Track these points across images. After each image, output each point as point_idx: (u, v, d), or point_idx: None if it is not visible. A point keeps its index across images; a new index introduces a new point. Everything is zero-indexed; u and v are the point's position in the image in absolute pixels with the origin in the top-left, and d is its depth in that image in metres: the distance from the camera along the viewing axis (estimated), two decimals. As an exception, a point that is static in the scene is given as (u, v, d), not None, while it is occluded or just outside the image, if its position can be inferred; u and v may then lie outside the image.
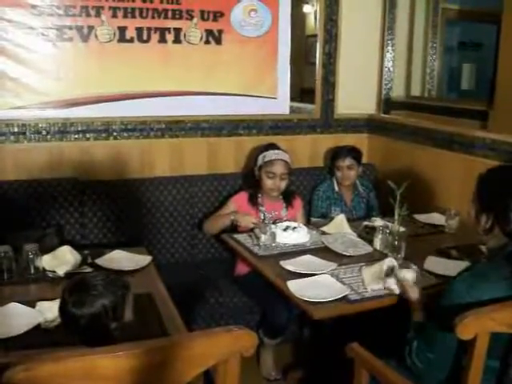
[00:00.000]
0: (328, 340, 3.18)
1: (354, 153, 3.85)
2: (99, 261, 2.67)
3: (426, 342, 1.96)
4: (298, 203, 3.61)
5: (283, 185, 3.44)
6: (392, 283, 2.38)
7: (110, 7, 3.53)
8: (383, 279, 2.45)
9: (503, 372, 1.85)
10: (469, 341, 1.75)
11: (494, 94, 5.68)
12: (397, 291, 2.36)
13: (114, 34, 3.58)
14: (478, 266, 1.95)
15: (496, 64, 5.72)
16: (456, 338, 1.76)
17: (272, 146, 3.55)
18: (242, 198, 3.47)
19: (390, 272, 2.45)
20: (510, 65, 5.47)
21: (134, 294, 1.85)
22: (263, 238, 2.94)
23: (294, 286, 2.44)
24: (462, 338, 1.72)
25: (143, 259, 2.74)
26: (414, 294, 2.25)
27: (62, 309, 1.72)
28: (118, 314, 1.72)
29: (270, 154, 3.45)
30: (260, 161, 3.47)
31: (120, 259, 2.72)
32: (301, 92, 5.17)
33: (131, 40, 3.63)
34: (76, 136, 3.59)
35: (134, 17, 3.60)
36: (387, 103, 4.65)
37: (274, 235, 2.96)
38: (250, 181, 3.61)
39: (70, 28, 3.48)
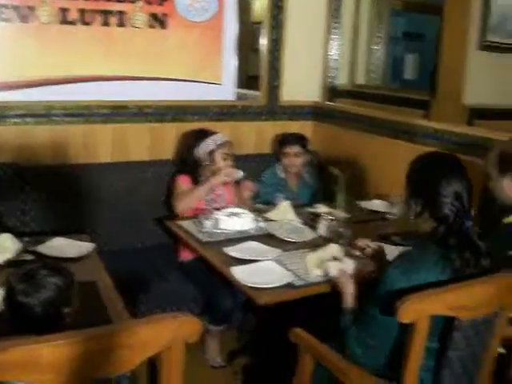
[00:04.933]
0: (272, 326, 3.20)
1: (302, 140, 3.88)
2: (40, 248, 2.62)
3: (364, 328, 2.00)
4: None
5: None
6: (331, 267, 2.41)
7: (51, -13, 3.43)
8: (326, 265, 2.48)
9: (442, 353, 1.90)
10: (410, 324, 1.78)
11: (435, 83, 5.81)
12: (332, 274, 2.38)
13: (56, 15, 3.48)
14: (410, 252, 2.00)
15: (438, 55, 5.85)
16: (397, 323, 1.80)
17: (210, 131, 3.59)
18: (186, 180, 3.46)
19: (334, 258, 2.49)
20: (450, 55, 5.61)
21: (77, 282, 1.82)
22: (207, 224, 2.93)
23: (239, 273, 2.45)
24: (402, 321, 1.76)
25: (86, 246, 2.70)
26: (347, 286, 2.27)
27: (11, 302, 1.67)
28: (69, 298, 1.70)
29: (219, 137, 3.51)
30: (211, 145, 3.47)
31: (62, 246, 2.67)
32: (247, 79, 5.16)
33: (73, 22, 3.53)
34: (15, 120, 3.48)
35: (76, -2, 3.51)
36: (332, 91, 4.69)
37: (218, 221, 2.96)
38: (186, 166, 3.57)
39: (8, 7, 3.35)
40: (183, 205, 3.36)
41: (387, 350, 1.97)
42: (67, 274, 1.74)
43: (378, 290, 1.96)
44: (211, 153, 3.47)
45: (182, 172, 3.53)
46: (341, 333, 2.08)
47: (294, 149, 3.81)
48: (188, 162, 3.55)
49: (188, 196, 3.36)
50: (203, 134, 3.55)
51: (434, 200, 1.96)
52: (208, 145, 3.49)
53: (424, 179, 2.03)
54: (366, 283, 2.25)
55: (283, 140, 3.91)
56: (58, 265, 1.80)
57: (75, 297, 1.74)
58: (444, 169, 2.00)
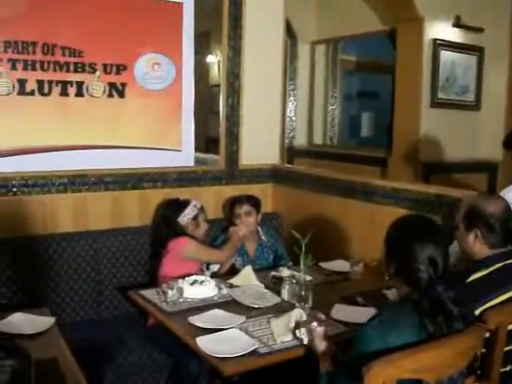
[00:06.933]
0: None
1: (252, 200, 3.89)
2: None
3: None
4: None
5: None
6: (301, 334, 2.42)
7: (9, 59, 3.45)
8: (292, 330, 2.48)
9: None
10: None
11: (391, 141, 5.95)
12: (305, 341, 2.40)
13: (14, 86, 3.49)
14: (387, 313, 2.00)
15: (392, 112, 6.03)
16: None
17: (185, 199, 3.69)
18: (190, 240, 3.53)
19: (299, 323, 2.49)
20: (404, 113, 5.79)
21: (37, 360, 1.78)
22: (170, 293, 2.91)
23: (204, 342, 2.43)
24: (370, 387, 1.76)
25: (46, 321, 2.63)
26: (320, 346, 2.31)
27: None
28: (28, 379, 1.65)
29: (198, 203, 3.67)
30: (195, 211, 3.61)
31: (21, 322, 2.59)
32: (206, 141, 5.21)
33: (32, 93, 3.55)
34: (-29, 193, 3.45)
35: (34, 69, 3.53)
36: (291, 152, 4.78)
37: (181, 290, 2.94)
38: (173, 232, 3.57)
39: (-35, 80, 3.37)
40: (228, 253, 3.65)
41: None
42: (25, 356, 1.70)
43: (353, 351, 1.95)
44: (195, 218, 3.59)
45: (177, 235, 3.54)
46: None
47: (245, 208, 3.81)
48: (176, 230, 3.55)
49: (227, 248, 3.66)
50: (181, 203, 3.63)
51: (407, 265, 1.97)
52: (192, 211, 3.60)
53: (398, 244, 2.05)
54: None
55: (233, 202, 3.93)
56: (14, 345, 1.76)
57: (34, 377, 1.70)
58: (418, 234, 2.00)
